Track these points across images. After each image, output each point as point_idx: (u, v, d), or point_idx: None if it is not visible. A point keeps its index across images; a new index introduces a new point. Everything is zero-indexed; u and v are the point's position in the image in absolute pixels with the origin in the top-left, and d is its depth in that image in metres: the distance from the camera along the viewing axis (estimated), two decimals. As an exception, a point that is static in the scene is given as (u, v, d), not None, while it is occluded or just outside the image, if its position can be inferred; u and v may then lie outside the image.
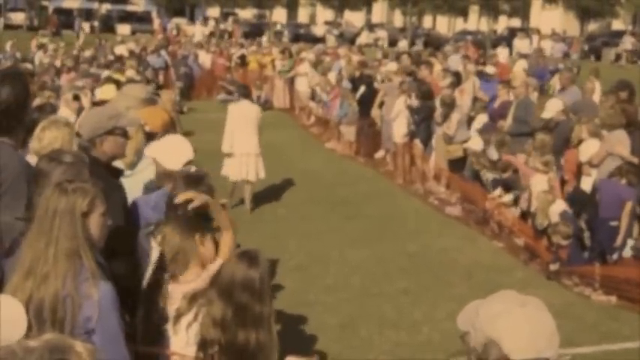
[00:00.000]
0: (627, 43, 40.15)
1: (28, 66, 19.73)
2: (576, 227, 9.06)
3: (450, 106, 12.68)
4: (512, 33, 42.81)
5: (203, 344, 3.55)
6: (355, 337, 7.32)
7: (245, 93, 12.33)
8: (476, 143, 11.87)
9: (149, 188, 5.11)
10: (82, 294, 3.12)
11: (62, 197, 3.20)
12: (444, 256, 9.92)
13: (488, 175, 11.25)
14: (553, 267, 8.93)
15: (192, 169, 4.79)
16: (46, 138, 4.82)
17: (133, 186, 5.04)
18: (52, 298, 3.09)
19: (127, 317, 4.02)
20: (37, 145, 4.83)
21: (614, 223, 8.71)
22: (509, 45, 32.79)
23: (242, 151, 11.66)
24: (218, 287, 3.54)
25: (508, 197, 10.56)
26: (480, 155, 11.57)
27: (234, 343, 3.48)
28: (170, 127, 6.63)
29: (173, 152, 4.93)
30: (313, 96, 19.57)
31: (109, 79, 11.67)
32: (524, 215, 10.15)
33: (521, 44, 32.75)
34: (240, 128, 11.62)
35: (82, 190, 3.24)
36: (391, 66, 16.79)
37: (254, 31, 43.28)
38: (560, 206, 9.23)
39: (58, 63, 21.94)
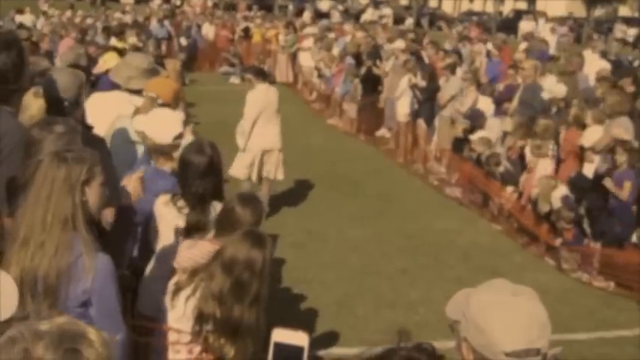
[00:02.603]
0: (618, 31, 38.91)
1: (23, 33, 19.53)
2: (577, 213, 9.04)
3: (472, 81, 12.65)
4: (519, 15, 42.58)
5: (200, 318, 3.53)
6: (351, 316, 7.32)
7: (259, 72, 10.10)
8: (477, 135, 11.85)
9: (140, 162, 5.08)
10: (79, 266, 3.07)
11: (61, 166, 3.13)
12: (443, 237, 9.91)
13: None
14: (558, 241, 8.94)
15: (185, 141, 4.76)
16: (23, 105, 4.75)
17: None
18: (46, 269, 3.05)
19: (128, 272, 4.03)
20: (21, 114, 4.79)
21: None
22: (515, 28, 32.50)
23: (263, 147, 9.85)
24: (220, 261, 3.53)
25: (508, 189, 10.52)
26: (483, 137, 11.51)
27: (229, 317, 3.48)
28: (180, 97, 6.56)
29: (163, 126, 4.89)
30: (320, 73, 19.47)
31: (111, 48, 11.54)
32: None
33: (526, 27, 32.48)
34: (262, 119, 9.76)
35: (81, 159, 3.18)
36: (399, 43, 16.67)
37: (258, 4, 42.95)
38: (561, 191, 9.20)
39: (63, 32, 21.71)
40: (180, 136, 4.81)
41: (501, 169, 10.65)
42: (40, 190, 3.13)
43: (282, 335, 2.03)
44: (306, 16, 30.73)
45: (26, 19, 27.21)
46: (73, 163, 3.15)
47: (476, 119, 12.04)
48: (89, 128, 4.60)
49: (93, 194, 3.20)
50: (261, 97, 9.68)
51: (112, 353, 1.63)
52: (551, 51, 20.36)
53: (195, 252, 3.86)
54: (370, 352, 1.77)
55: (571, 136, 10.14)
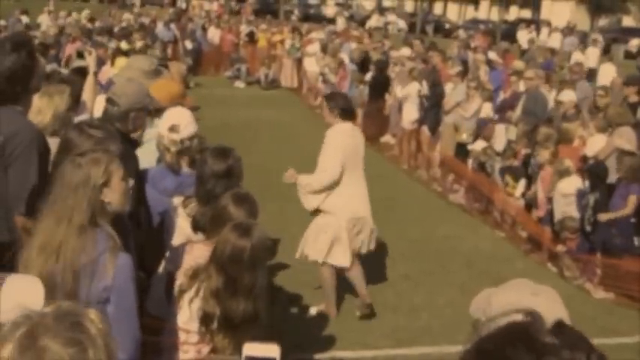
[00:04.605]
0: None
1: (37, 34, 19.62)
2: (585, 208, 8.99)
3: (476, 88, 12.73)
4: (525, 24, 42.70)
5: (205, 318, 3.58)
6: (354, 320, 7.35)
7: (347, 108, 7.35)
8: (478, 145, 11.93)
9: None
10: (101, 262, 3.12)
11: (77, 171, 3.18)
12: (446, 243, 9.95)
13: (495, 165, 11.23)
14: (560, 248, 8.95)
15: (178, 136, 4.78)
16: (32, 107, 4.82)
17: (143, 155, 5.08)
18: (62, 273, 3.09)
19: (142, 274, 4.08)
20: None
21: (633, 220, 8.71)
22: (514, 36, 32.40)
23: (353, 213, 7.24)
24: (214, 259, 3.58)
25: (520, 185, 10.52)
26: (486, 147, 11.57)
27: (227, 313, 3.51)
28: (180, 99, 6.58)
29: (165, 118, 4.94)
30: (324, 79, 19.53)
31: (120, 52, 11.62)
32: (529, 206, 10.16)
33: (523, 36, 32.44)
34: (347, 173, 7.17)
35: (96, 161, 3.22)
36: (405, 51, 16.74)
37: (264, 9, 43.11)
38: (575, 183, 9.20)
39: (71, 32, 21.73)
40: (174, 129, 4.80)
41: (515, 163, 10.72)
42: (58, 195, 3.18)
43: (253, 349, 2.07)
44: (340, 22, 30.83)
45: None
46: (87, 166, 3.19)
47: (483, 128, 12.10)
48: (132, 144, 4.65)
49: (114, 192, 3.24)
50: (346, 140, 7.15)
51: (110, 330, 1.70)
52: (591, 64, 20.07)
53: (192, 257, 3.92)
54: (490, 330, 1.57)
55: (563, 151, 10.09)
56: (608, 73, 17.63)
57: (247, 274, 3.51)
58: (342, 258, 7.19)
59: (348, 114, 7.24)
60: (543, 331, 1.46)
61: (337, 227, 7.12)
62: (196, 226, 4.24)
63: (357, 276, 7.45)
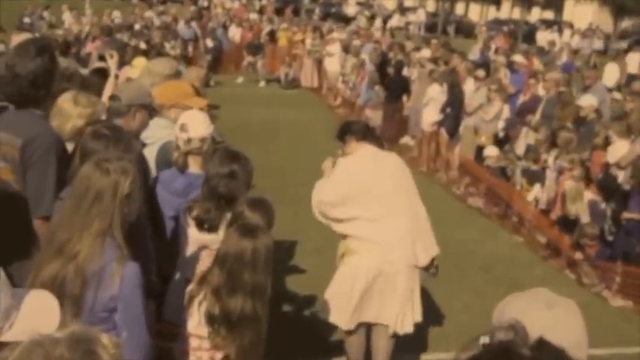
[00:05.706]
0: (594, 43, 35.74)
1: (59, 32, 19.76)
2: (601, 217, 8.93)
3: (497, 91, 12.70)
4: (547, 25, 42.49)
5: (210, 319, 3.59)
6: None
7: (364, 130, 6.05)
8: (492, 151, 11.88)
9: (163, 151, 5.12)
10: (107, 271, 3.12)
11: (104, 177, 3.16)
12: (463, 247, 9.89)
13: (517, 170, 11.19)
14: (578, 255, 8.91)
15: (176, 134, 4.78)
16: (63, 115, 4.83)
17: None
18: (72, 277, 3.10)
19: (156, 279, 4.10)
20: None
21: None
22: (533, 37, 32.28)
23: (379, 263, 5.65)
24: (217, 258, 3.62)
25: (533, 190, 10.47)
26: (506, 151, 11.51)
27: (225, 311, 3.53)
28: (185, 101, 6.56)
29: (179, 118, 4.95)
30: (344, 79, 19.53)
31: (138, 52, 11.59)
32: (546, 212, 10.11)
33: (543, 37, 32.26)
34: (361, 206, 5.81)
35: (124, 171, 3.20)
36: (425, 52, 16.69)
37: (285, 8, 43.17)
38: (588, 196, 9.13)
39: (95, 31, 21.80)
40: (183, 128, 4.79)
41: (535, 167, 10.67)
42: (81, 201, 3.17)
43: None
44: (378, 22, 30.80)
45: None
46: (116, 174, 3.17)
47: (511, 129, 12.05)
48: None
49: (134, 202, 3.25)
50: (355, 168, 5.85)
51: (122, 355, 1.70)
52: (631, 70, 19.73)
53: (205, 263, 3.94)
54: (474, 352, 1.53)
55: (598, 158, 10.02)
56: (612, 74, 17.46)
57: (247, 274, 3.53)
58: (337, 315, 5.90)
59: (365, 134, 5.91)
60: (524, 346, 1.55)
61: (352, 283, 5.84)
62: (200, 224, 4.26)
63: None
